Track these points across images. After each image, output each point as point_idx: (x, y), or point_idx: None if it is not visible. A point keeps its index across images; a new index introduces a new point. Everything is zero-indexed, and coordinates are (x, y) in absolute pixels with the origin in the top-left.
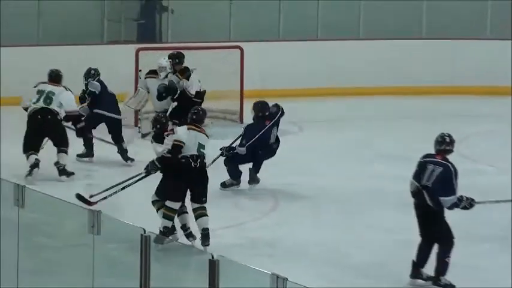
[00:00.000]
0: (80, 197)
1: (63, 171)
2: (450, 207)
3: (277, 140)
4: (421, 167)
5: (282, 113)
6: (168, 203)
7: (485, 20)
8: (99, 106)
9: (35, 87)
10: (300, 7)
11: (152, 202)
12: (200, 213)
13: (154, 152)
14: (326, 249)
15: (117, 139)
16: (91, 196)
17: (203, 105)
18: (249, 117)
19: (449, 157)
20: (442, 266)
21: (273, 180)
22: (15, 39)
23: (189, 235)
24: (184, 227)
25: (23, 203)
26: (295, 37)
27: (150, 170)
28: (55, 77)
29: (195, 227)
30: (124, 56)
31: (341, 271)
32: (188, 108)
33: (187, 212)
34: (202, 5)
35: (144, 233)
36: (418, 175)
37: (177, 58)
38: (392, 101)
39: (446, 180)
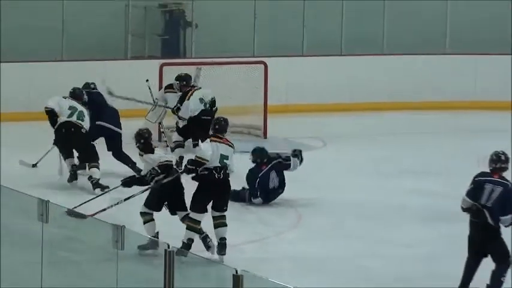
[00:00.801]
0: (71, 212)
1: (96, 184)
2: (508, 225)
3: (282, 185)
4: (478, 186)
5: (294, 161)
6: (192, 215)
7: (507, 36)
8: (101, 119)
9: (63, 97)
10: (324, 22)
11: (141, 213)
12: (220, 222)
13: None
14: (349, 264)
15: (119, 154)
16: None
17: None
18: (273, 132)
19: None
20: (497, 285)
21: (296, 195)
22: (39, 55)
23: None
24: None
25: (47, 218)
26: (319, 52)
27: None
28: (79, 94)
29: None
30: (148, 71)
31: (364, 286)
32: (195, 127)
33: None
34: (226, 20)
35: (168, 247)
36: (473, 193)
37: (184, 80)
38: (415, 116)
39: (506, 199)
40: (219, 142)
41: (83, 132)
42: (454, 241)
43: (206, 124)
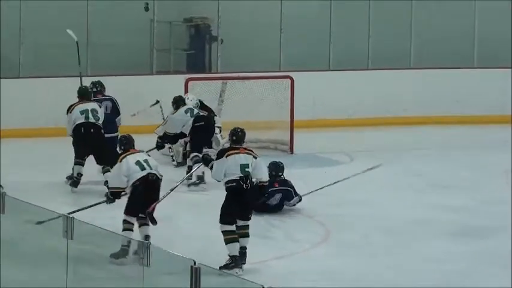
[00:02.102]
0: None
1: None
2: None
3: (280, 205)
4: None
5: (296, 199)
6: (224, 228)
7: None
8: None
9: (69, 112)
10: (350, 36)
11: (123, 221)
12: (244, 232)
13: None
14: (378, 280)
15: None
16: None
17: (252, 135)
18: (299, 147)
19: None
20: None
21: (324, 210)
22: (64, 71)
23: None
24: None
25: (72, 234)
26: (346, 67)
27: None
28: (86, 94)
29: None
30: (173, 86)
31: None
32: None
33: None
34: (252, 35)
35: (194, 264)
36: None
37: (174, 103)
38: (443, 130)
39: None
40: (236, 153)
41: (103, 133)
42: (483, 257)
43: (202, 131)
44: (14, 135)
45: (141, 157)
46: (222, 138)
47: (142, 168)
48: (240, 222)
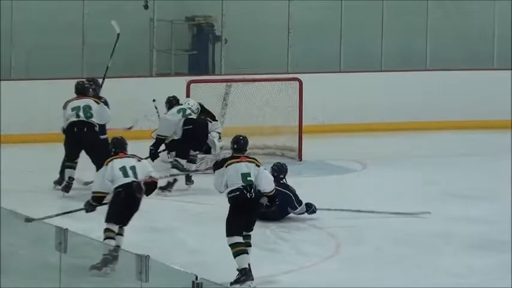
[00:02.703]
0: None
1: None
2: None
3: (280, 212)
4: None
5: (302, 207)
6: (230, 240)
7: None
8: None
9: (64, 108)
10: (363, 36)
11: (104, 230)
12: (246, 242)
13: None
14: None
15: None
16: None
17: (258, 141)
18: (309, 154)
19: None
20: None
21: (334, 221)
22: (59, 72)
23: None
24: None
25: (66, 247)
26: (358, 68)
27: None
28: (82, 90)
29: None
30: (174, 88)
31: None
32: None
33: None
34: (258, 35)
35: (196, 279)
36: None
37: (167, 103)
38: (463, 136)
39: None
40: (237, 162)
41: (97, 131)
42: (506, 271)
43: (191, 135)
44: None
45: (128, 163)
46: (218, 141)
47: (126, 175)
48: (244, 233)
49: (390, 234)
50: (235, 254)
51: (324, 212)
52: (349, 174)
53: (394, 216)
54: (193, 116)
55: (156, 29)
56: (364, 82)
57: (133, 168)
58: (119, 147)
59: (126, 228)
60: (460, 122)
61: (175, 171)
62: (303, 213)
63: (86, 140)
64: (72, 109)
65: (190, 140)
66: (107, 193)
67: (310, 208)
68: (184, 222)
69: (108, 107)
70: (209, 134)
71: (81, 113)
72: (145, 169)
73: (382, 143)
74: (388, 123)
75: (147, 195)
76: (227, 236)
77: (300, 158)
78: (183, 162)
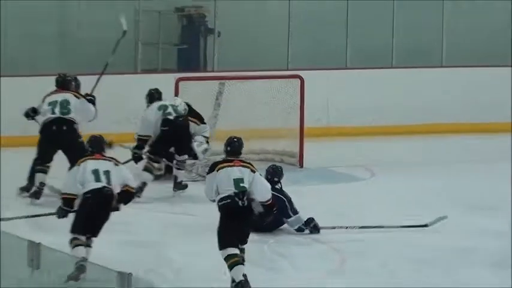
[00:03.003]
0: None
1: None
2: None
3: (274, 222)
4: None
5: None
6: (224, 253)
7: None
8: None
9: (42, 101)
10: (371, 29)
11: (71, 239)
12: (240, 257)
13: None
14: None
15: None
16: None
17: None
18: (311, 160)
19: None
20: None
21: (339, 235)
22: (34, 68)
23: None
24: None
25: (38, 263)
26: (366, 65)
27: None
28: (62, 83)
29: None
30: (162, 86)
31: None
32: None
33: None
34: (254, 27)
35: None
36: None
37: (148, 97)
38: (483, 140)
39: None
40: (229, 166)
41: (75, 128)
42: None
43: (166, 138)
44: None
45: (102, 166)
46: (199, 146)
47: (98, 180)
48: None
49: (400, 248)
50: (230, 266)
51: (328, 223)
52: (356, 182)
53: (402, 230)
54: (172, 117)
55: (142, 20)
56: (373, 80)
57: (107, 173)
58: (95, 146)
59: (105, 243)
60: (480, 124)
61: (147, 174)
62: (299, 229)
63: (65, 139)
64: (49, 104)
65: (168, 142)
66: (77, 195)
67: (310, 225)
68: (171, 235)
69: (94, 105)
70: (194, 138)
71: (57, 109)
72: (122, 176)
73: (393, 148)
74: (400, 126)
75: (119, 206)
76: (220, 249)
77: (301, 165)
78: (157, 165)
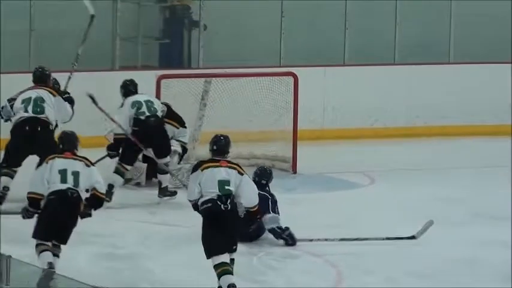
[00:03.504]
0: None
1: None
2: None
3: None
4: None
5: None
6: (213, 260)
7: None
8: None
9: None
10: (372, 23)
11: (36, 245)
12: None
13: None
14: None
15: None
16: None
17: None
18: (305, 165)
19: None
20: None
21: (336, 247)
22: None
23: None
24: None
25: (8, 278)
26: (366, 61)
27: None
28: (41, 77)
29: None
30: (142, 84)
31: None
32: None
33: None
34: (244, 20)
35: None
36: None
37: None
38: (491, 143)
39: None
40: (215, 166)
41: (51, 129)
42: None
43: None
44: None
45: (72, 166)
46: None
47: (63, 181)
48: None
49: (402, 261)
50: (219, 275)
51: (323, 235)
52: (354, 190)
53: (402, 241)
54: (144, 116)
55: (120, 12)
56: (374, 77)
57: (76, 174)
58: (67, 144)
59: (81, 255)
60: (491, 126)
61: (117, 177)
62: (273, 231)
63: (39, 142)
64: (22, 101)
65: (134, 145)
66: (43, 195)
67: (285, 232)
68: (151, 247)
69: (72, 105)
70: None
71: (30, 107)
72: (91, 178)
73: (394, 152)
74: (402, 128)
75: (90, 212)
76: (207, 257)
77: (294, 171)
78: (130, 167)
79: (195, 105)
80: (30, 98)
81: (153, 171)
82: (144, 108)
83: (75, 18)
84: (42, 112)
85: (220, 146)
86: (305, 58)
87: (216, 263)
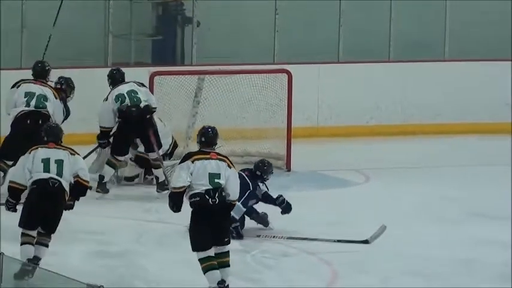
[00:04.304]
0: None
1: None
2: None
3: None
4: None
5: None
6: (198, 255)
7: None
8: None
9: (16, 87)
10: (366, 19)
11: (21, 234)
12: (222, 262)
13: None
14: None
15: None
16: None
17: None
18: (299, 163)
19: None
20: None
21: (330, 246)
22: None
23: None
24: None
25: (1, 276)
26: (360, 58)
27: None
28: (41, 73)
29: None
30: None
31: None
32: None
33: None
34: (237, 16)
35: None
36: None
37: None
38: (486, 141)
39: None
40: (206, 159)
41: (42, 123)
42: None
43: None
44: None
45: (55, 155)
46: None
47: (46, 170)
48: (215, 249)
49: (399, 261)
50: (204, 270)
51: (318, 233)
52: (348, 188)
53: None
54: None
55: (112, 8)
56: (368, 75)
57: (59, 162)
58: (50, 135)
59: (74, 253)
60: (486, 124)
61: (108, 168)
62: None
63: (40, 135)
64: (26, 94)
65: (127, 136)
66: (25, 186)
67: (231, 225)
68: (145, 245)
69: (66, 114)
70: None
71: (32, 102)
72: (75, 165)
73: (389, 150)
74: (397, 126)
75: (72, 203)
76: (193, 250)
77: (288, 168)
78: (123, 158)
79: (188, 102)
80: (34, 93)
81: (149, 167)
82: (127, 100)
83: (67, 13)
84: (44, 107)
85: (208, 138)
86: (299, 55)
87: (201, 257)
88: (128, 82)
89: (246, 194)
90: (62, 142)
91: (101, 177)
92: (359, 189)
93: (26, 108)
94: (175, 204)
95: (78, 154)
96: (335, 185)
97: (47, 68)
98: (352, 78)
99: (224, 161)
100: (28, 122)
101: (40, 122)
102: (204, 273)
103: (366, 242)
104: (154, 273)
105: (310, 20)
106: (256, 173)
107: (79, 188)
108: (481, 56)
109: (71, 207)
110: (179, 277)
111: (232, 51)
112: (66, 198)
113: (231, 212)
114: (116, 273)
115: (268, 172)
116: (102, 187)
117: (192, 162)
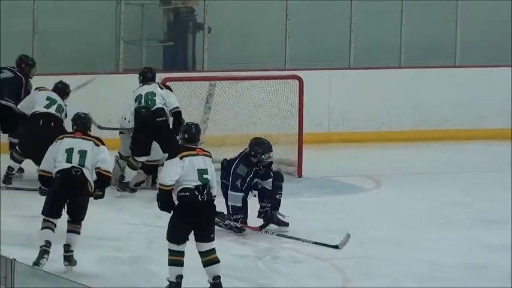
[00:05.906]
0: None
1: None
2: None
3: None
4: None
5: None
6: (170, 246)
7: None
8: None
9: (36, 89)
10: (378, 26)
11: (42, 220)
12: (210, 259)
13: None
14: None
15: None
16: None
17: None
18: (310, 169)
19: None
20: None
21: (340, 251)
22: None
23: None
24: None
25: (13, 282)
26: (371, 64)
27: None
28: (62, 90)
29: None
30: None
31: None
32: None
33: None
34: (248, 23)
35: None
36: None
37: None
38: (496, 148)
39: None
40: (193, 155)
41: (64, 128)
42: None
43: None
44: None
45: (79, 145)
46: None
47: (69, 160)
48: (202, 247)
49: (409, 266)
50: (170, 262)
51: (329, 238)
52: (359, 193)
53: (412, 246)
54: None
55: (124, 14)
56: (379, 81)
57: (83, 152)
58: (79, 125)
59: (87, 258)
60: (496, 130)
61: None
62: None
63: (51, 136)
64: (48, 98)
65: (145, 139)
66: (51, 173)
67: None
68: (156, 251)
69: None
70: None
71: (52, 108)
72: (97, 156)
73: (400, 156)
74: (409, 132)
75: (101, 192)
76: (167, 238)
77: (300, 174)
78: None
79: (200, 108)
80: (55, 100)
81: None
82: (142, 102)
83: (79, 19)
84: (63, 111)
85: (191, 134)
86: (310, 61)
87: (173, 249)
88: (151, 83)
89: (231, 179)
90: (90, 131)
91: (122, 177)
92: (370, 195)
93: (40, 110)
94: (165, 203)
95: (104, 144)
96: (346, 191)
97: (67, 90)
98: (363, 84)
99: (209, 156)
100: (40, 123)
101: (52, 124)
102: (169, 265)
103: (336, 247)
104: (164, 278)
105: (321, 26)
106: (251, 153)
107: (101, 179)
108: (492, 62)
109: (100, 196)
110: (189, 282)
111: (243, 57)
112: (90, 188)
113: (229, 202)
114: (128, 279)
115: (258, 152)
116: (123, 187)
117: (181, 158)
